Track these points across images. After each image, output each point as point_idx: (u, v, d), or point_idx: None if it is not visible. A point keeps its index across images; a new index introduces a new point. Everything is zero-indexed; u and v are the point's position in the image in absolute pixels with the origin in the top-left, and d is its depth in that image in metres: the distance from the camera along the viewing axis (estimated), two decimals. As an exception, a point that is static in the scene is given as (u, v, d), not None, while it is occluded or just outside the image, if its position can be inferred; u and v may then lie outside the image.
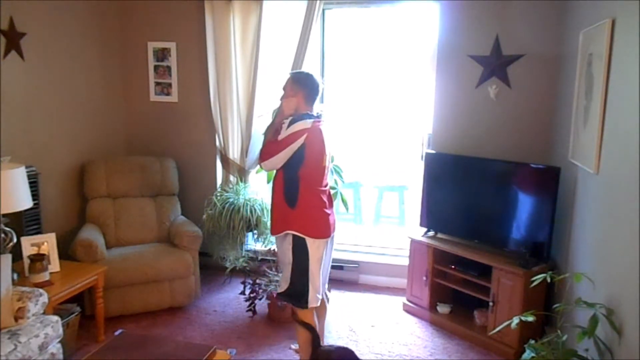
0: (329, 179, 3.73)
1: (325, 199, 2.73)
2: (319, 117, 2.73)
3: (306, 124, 2.60)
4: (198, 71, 4.25)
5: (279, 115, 2.76)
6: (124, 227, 3.82)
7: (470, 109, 3.75)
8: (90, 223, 3.74)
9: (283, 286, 2.74)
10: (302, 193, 2.63)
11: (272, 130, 2.75)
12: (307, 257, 2.63)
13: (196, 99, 4.31)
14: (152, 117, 4.44)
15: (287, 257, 2.69)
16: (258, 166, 4.03)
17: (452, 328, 3.46)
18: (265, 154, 2.67)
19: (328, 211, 2.73)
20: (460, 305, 3.60)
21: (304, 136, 2.58)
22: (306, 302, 2.67)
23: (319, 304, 2.74)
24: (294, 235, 2.64)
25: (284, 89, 2.77)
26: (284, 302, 2.70)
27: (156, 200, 4.02)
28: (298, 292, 2.67)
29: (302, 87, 2.71)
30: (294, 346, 3.17)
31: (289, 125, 2.61)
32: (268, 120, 3.81)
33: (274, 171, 2.80)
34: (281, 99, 2.78)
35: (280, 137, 2.62)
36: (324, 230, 2.69)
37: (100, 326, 3.23)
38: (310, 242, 2.63)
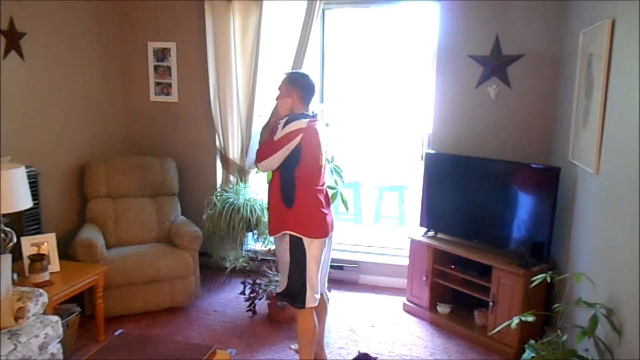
0: (329, 179, 3.76)
1: (322, 198, 2.72)
2: (314, 116, 2.72)
3: (302, 123, 2.59)
4: (198, 71, 4.25)
5: (274, 115, 2.76)
6: (124, 227, 3.82)
7: (470, 109, 3.75)
8: (90, 223, 3.74)
9: (281, 286, 2.74)
10: (299, 193, 2.62)
11: (268, 131, 2.75)
12: (304, 257, 2.63)
13: (196, 99, 4.31)
14: (152, 117, 4.44)
15: (285, 258, 2.68)
16: (277, 97, 3.99)
17: (452, 328, 3.46)
18: (261, 155, 2.67)
19: (325, 211, 2.72)
20: (460, 305, 3.60)
21: (300, 136, 2.57)
22: (304, 302, 2.66)
23: (316, 304, 2.73)
24: (291, 235, 2.63)
25: (280, 89, 2.77)
26: (283, 302, 2.70)
27: (156, 200, 4.02)
28: (296, 292, 2.67)
29: (298, 87, 2.71)
30: (294, 346, 3.17)
31: (284, 126, 2.61)
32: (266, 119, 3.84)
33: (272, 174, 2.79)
34: (277, 99, 2.78)
35: (275, 138, 2.62)
36: (322, 230, 2.68)
37: (100, 326, 3.23)
38: (308, 242, 2.62)
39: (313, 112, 2.76)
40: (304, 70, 2.82)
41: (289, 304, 2.77)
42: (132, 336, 2.60)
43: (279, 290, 2.78)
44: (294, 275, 2.67)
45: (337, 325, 3.54)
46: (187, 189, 4.31)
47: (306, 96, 2.72)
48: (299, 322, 2.75)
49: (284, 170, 2.65)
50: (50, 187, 3.61)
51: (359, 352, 3.09)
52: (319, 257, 2.68)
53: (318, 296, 2.74)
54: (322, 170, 2.74)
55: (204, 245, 3.79)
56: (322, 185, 2.75)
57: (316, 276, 2.68)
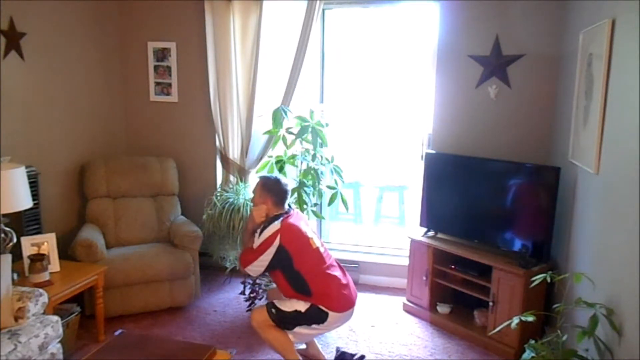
0: (330, 179, 3.76)
1: (337, 273, 2.78)
2: (288, 211, 2.84)
3: (275, 226, 2.70)
4: (198, 71, 4.25)
5: (250, 222, 2.87)
6: (124, 227, 3.82)
7: (470, 109, 3.75)
8: (90, 223, 3.74)
9: (283, 306, 2.70)
10: (312, 282, 2.69)
11: (247, 234, 2.88)
12: (320, 323, 2.67)
13: (196, 99, 4.31)
14: (152, 117, 4.44)
15: (302, 305, 2.68)
16: (258, 166, 4.04)
17: (452, 328, 3.46)
18: (244, 261, 2.78)
19: (344, 281, 2.78)
20: (460, 305, 3.60)
21: (277, 238, 2.67)
22: (289, 330, 2.70)
23: (299, 346, 2.82)
24: (316, 306, 2.68)
25: (254, 192, 2.90)
26: (271, 316, 2.71)
27: (156, 200, 4.02)
28: (287, 324, 2.69)
29: (271, 194, 2.83)
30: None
31: (260, 234, 2.73)
32: (268, 122, 3.85)
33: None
34: (252, 202, 2.93)
35: (255, 246, 2.73)
36: (345, 304, 2.74)
37: (100, 326, 3.23)
38: (332, 315, 2.67)
39: (287, 208, 2.88)
40: (275, 174, 2.98)
41: (273, 322, 2.73)
42: (132, 336, 2.60)
43: (278, 305, 2.72)
44: (294, 318, 2.68)
45: (337, 325, 3.54)
46: (187, 189, 4.31)
47: (279, 200, 2.84)
48: (265, 336, 2.72)
49: (285, 270, 2.72)
50: (50, 187, 3.61)
51: (338, 350, 3.11)
52: (336, 327, 2.80)
53: (298, 342, 2.80)
54: (321, 250, 2.81)
55: (204, 245, 3.79)
56: (329, 264, 2.81)
57: (314, 337, 2.81)
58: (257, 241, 2.73)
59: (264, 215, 2.81)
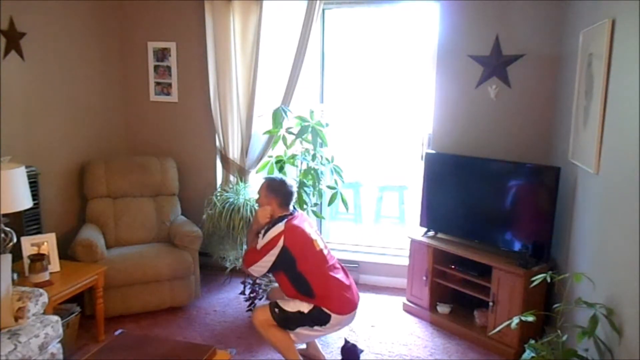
0: (330, 179, 3.76)
1: (338, 275, 2.78)
2: (292, 212, 2.84)
3: (279, 228, 2.71)
4: (198, 71, 4.25)
5: (255, 223, 2.87)
6: (124, 227, 3.82)
7: (470, 109, 3.75)
8: (90, 223, 3.74)
9: (286, 306, 2.71)
10: (315, 284, 2.69)
11: (252, 235, 2.88)
12: (322, 325, 2.67)
13: (196, 99, 4.31)
14: (152, 117, 4.44)
15: (305, 306, 2.68)
16: (258, 166, 4.04)
17: (452, 328, 3.46)
18: (247, 261, 2.78)
19: (346, 283, 2.78)
20: (460, 305, 3.60)
21: (281, 239, 2.67)
22: (291, 330, 2.70)
23: (299, 346, 2.82)
24: (320, 308, 2.68)
25: (259, 193, 2.90)
26: (274, 315, 2.70)
27: (156, 200, 4.02)
28: (290, 324, 2.70)
29: (276, 195, 2.83)
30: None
31: (264, 234, 2.74)
32: (268, 122, 3.85)
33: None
34: (257, 203, 2.93)
35: (258, 247, 2.74)
36: (348, 306, 2.74)
37: (100, 326, 3.23)
38: (334, 317, 2.67)
39: (292, 209, 2.88)
40: (280, 176, 2.97)
41: (276, 322, 2.73)
42: (132, 336, 2.60)
43: (281, 304, 2.72)
44: (297, 319, 2.68)
45: (337, 325, 3.54)
46: (187, 189, 4.31)
47: (284, 201, 2.85)
48: (267, 336, 2.73)
49: (287, 272, 2.72)
50: (50, 187, 3.61)
51: (347, 341, 3.10)
52: (339, 329, 2.79)
53: (299, 342, 2.81)
54: (325, 252, 2.81)
55: (204, 245, 3.79)
56: (333, 263, 2.82)
57: (316, 338, 2.82)
58: (261, 242, 2.73)
59: (269, 216, 2.81)
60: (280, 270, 2.74)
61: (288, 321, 2.68)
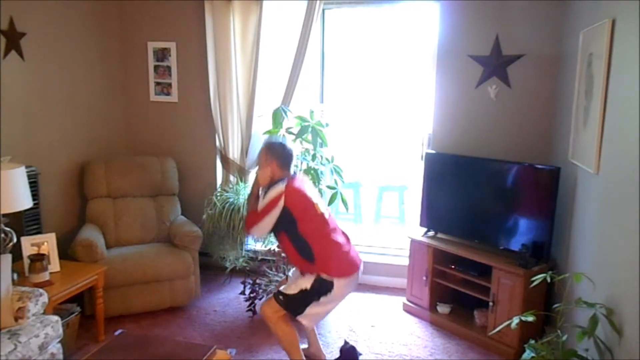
0: (330, 179, 3.76)
1: (339, 239, 2.77)
2: (294, 175, 2.82)
3: (280, 188, 2.69)
4: (198, 71, 4.25)
5: (255, 185, 2.88)
6: (124, 227, 3.82)
7: (470, 109, 3.75)
8: (90, 223, 3.74)
9: (289, 290, 2.72)
10: (315, 247, 2.68)
11: (253, 199, 2.87)
12: (327, 294, 2.66)
13: (196, 99, 4.31)
14: (152, 117, 4.44)
15: (304, 284, 2.69)
16: (258, 166, 4.03)
17: (452, 328, 3.46)
18: (248, 223, 2.78)
19: (347, 248, 2.77)
20: (460, 305, 3.60)
21: (282, 200, 2.65)
22: (301, 314, 2.68)
23: (310, 328, 2.81)
24: (321, 277, 2.67)
25: (259, 157, 2.88)
26: (280, 303, 2.70)
27: (156, 200, 4.02)
28: (295, 308, 2.69)
29: (276, 156, 2.80)
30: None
31: (265, 195, 2.73)
32: (268, 122, 3.84)
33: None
34: (257, 166, 2.90)
35: (259, 208, 2.73)
36: (351, 267, 2.73)
37: (100, 326, 3.23)
38: (337, 282, 2.66)
39: (293, 172, 2.87)
40: (281, 139, 2.95)
41: (284, 309, 2.74)
42: (132, 336, 2.60)
43: (284, 290, 2.74)
44: (303, 298, 2.68)
45: (337, 325, 3.54)
46: (187, 189, 4.31)
47: (284, 163, 2.81)
48: (276, 332, 2.74)
49: (289, 232, 2.71)
50: (50, 187, 3.61)
51: (346, 342, 3.10)
52: (344, 295, 2.75)
53: (312, 325, 2.80)
54: (326, 216, 2.79)
55: (204, 245, 3.79)
56: (334, 227, 2.80)
57: (326, 314, 2.77)
58: (262, 202, 2.71)
59: (269, 177, 2.78)
60: (282, 231, 2.73)
61: (294, 304, 2.68)
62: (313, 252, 2.67)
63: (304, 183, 2.83)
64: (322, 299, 2.67)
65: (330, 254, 2.70)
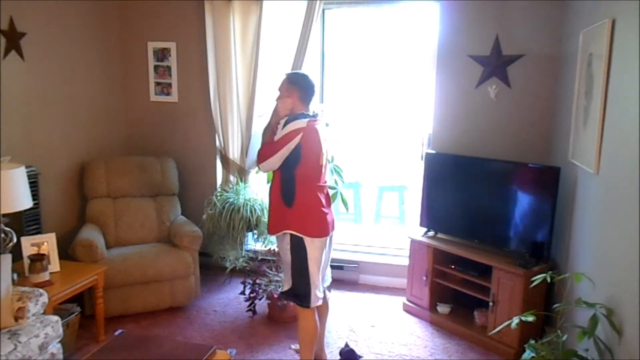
0: (329, 179, 3.76)
1: (322, 198, 2.72)
2: (314, 116, 2.72)
3: (301, 123, 2.60)
4: (198, 71, 4.25)
5: (274, 116, 2.76)
6: (124, 227, 3.82)
7: (470, 109, 3.75)
8: (90, 223, 3.74)
9: (285, 286, 2.75)
10: (299, 192, 2.62)
11: (269, 132, 2.75)
12: (305, 256, 2.63)
13: (196, 99, 4.31)
14: (152, 117, 4.44)
15: (287, 257, 2.69)
16: (278, 97, 3.99)
17: (452, 328, 3.46)
18: (262, 156, 2.67)
19: (325, 210, 2.71)
20: (460, 305, 3.60)
21: (300, 135, 2.57)
22: (309, 301, 2.67)
23: (320, 303, 2.74)
24: (292, 235, 2.63)
25: (280, 89, 2.78)
26: (287, 301, 2.71)
27: (156, 200, 4.02)
28: (301, 292, 2.68)
29: (297, 87, 2.71)
30: (294, 346, 3.17)
31: (284, 126, 2.62)
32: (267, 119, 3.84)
33: (272, 174, 2.76)
34: (277, 100, 2.79)
35: (276, 138, 2.63)
36: (322, 229, 2.68)
37: (100, 326, 3.23)
38: (309, 242, 2.62)
39: (314, 112, 2.76)
40: (304, 70, 2.82)
41: (294, 304, 2.77)
42: (132, 336, 2.60)
43: (283, 289, 2.78)
44: (296, 275, 2.68)
45: (337, 325, 3.54)
46: (187, 189, 4.31)
47: (306, 96, 2.73)
48: (300, 323, 2.75)
49: (284, 169, 2.65)
50: (50, 187, 3.61)
51: (346, 345, 3.09)
52: (320, 257, 2.68)
53: (321, 295, 2.75)
54: (323, 170, 2.74)
55: (204, 245, 3.79)
56: (324, 184, 2.75)
57: (317, 275, 2.68)
58: (280, 133, 2.61)
59: (289, 108, 2.71)
60: (281, 167, 2.66)
61: (297, 288, 2.68)
62: (295, 197, 2.61)
63: (322, 130, 2.75)
64: (307, 262, 2.64)
65: (307, 209, 2.64)
